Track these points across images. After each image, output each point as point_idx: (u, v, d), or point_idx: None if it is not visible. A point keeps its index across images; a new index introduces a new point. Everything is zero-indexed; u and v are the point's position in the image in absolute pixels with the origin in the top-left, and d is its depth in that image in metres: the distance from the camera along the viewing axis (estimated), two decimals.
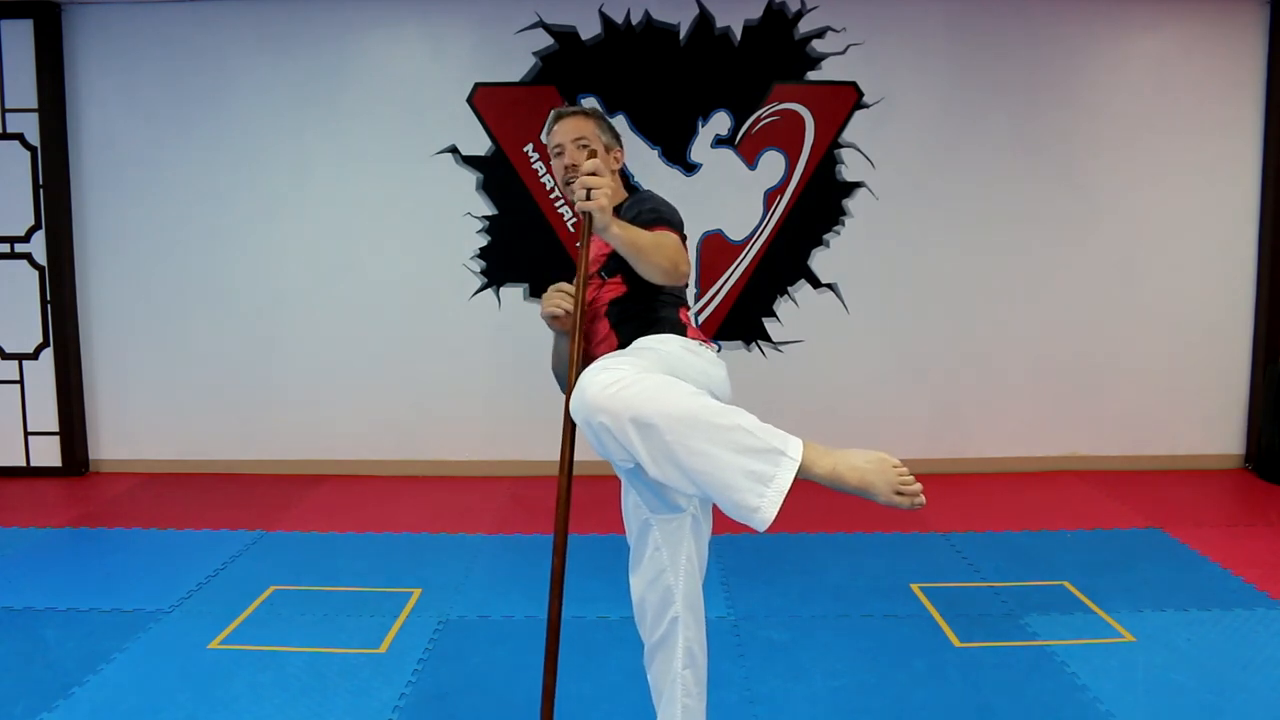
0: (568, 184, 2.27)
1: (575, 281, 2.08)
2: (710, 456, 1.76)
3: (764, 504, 1.76)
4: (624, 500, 2.25)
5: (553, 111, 2.38)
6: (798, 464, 1.79)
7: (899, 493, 1.81)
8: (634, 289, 2.19)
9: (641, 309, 2.19)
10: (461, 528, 4.37)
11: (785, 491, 1.78)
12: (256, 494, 4.88)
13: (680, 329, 2.19)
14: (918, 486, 1.83)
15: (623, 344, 2.17)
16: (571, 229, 5.05)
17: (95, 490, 4.97)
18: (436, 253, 5.09)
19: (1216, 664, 2.97)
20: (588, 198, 1.92)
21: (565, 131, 2.30)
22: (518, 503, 4.76)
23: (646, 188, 2.36)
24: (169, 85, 5.00)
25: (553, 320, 2.25)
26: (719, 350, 2.25)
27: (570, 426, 1.99)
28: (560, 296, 2.21)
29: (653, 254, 1.98)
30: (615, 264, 2.19)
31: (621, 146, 2.40)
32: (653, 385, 1.82)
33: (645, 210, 2.16)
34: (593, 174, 1.94)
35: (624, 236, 1.95)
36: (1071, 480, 5.05)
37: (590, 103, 4.95)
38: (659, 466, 1.80)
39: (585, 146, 2.26)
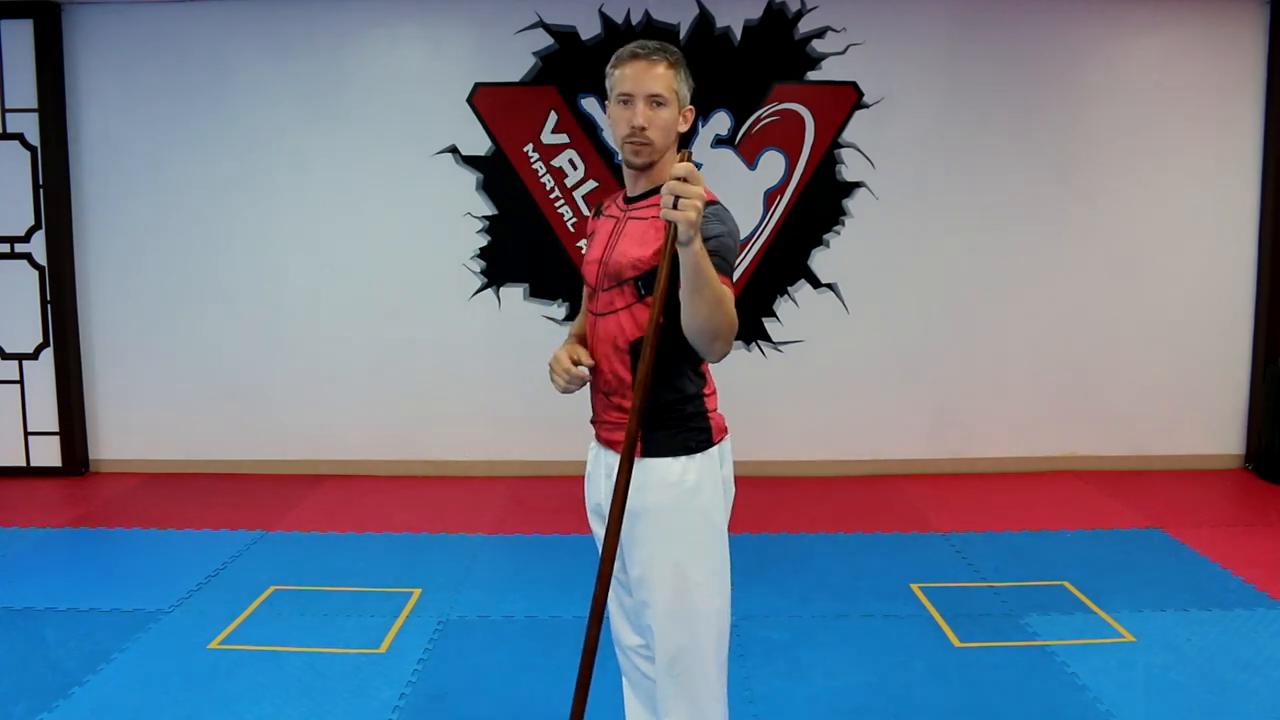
0: (628, 140, 1.88)
1: (653, 295, 1.75)
2: None
3: None
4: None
5: (629, 47, 1.89)
6: None
7: None
8: (667, 323, 1.82)
9: (670, 372, 1.90)
10: (461, 528, 4.37)
11: None
12: (256, 494, 4.87)
13: (705, 430, 1.96)
14: None
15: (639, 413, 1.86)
16: (572, 229, 5.05)
17: (95, 490, 4.97)
18: (436, 253, 5.09)
19: (1216, 664, 2.97)
20: (675, 206, 1.59)
21: (641, 80, 1.85)
22: (518, 503, 4.76)
23: (717, 202, 1.90)
24: (169, 85, 4.99)
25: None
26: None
27: (627, 470, 1.81)
28: (562, 378, 1.96)
29: (710, 305, 1.69)
30: (653, 283, 1.81)
31: (692, 105, 1.97)
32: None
33: (711, 239, 1.78)
34: (683, 179, 1.60)
35: (703, 267, 1.65)
36: (1071, 480, 5.05)
37: (591, 103, 4.95)
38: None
39: (660, 105, 1.86)
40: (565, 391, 1.99)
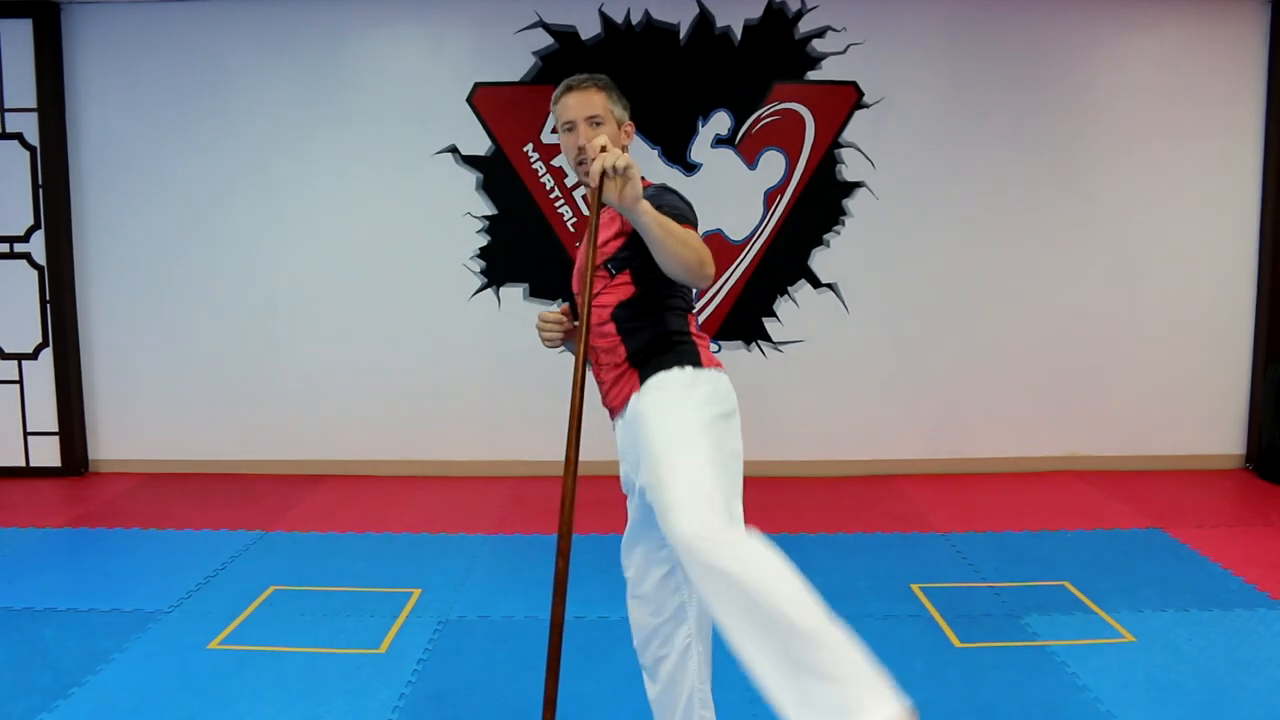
0: (579, 163, 2.14)
1: (586, 253, 1.98)
2: (786, 673, 1.77)
3: None
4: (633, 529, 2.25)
5: (563, 82, 2.18)
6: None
7: None
8: (642, 290, 2.09)
9: (652, 320, 2.10)
10: (461, 528, 4.36)
11: None
12: (256, 494, 4.87)
13: (695, 354, 2.10)
14: None
15: (632, 358, 2.09)
16: (572, 229, 5.05)
17: (95, 490, 4.96)
18: (436, 253, 5.09)
19: (1217, 664, 2.97)
20: (602, 187, 1.87)
21: (577, 106, 2.12)
22: (518, 503, 4.76)
23: (661, 181, 2.23)
24: (169, 85, 4.99)
25: (551, 347, 2.23)
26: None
27: (576, 427, 1.94)
28: (549, 327, 2.18)
29: (679, 246, 1.90)
30: (625, 260, 2.08)
31: (632, 121, 2.25)
32: (762, 565, 1.92)
33: (666, 204, 2.02)
34: (605, 149, 1.93)
35: (655, 217, 1.87)
36: (1071, 480, 5.05)
37: None
38: (731, 635, 1.83)
39: (599, 124, 2.12)
40: (557, 345, 2.20)
